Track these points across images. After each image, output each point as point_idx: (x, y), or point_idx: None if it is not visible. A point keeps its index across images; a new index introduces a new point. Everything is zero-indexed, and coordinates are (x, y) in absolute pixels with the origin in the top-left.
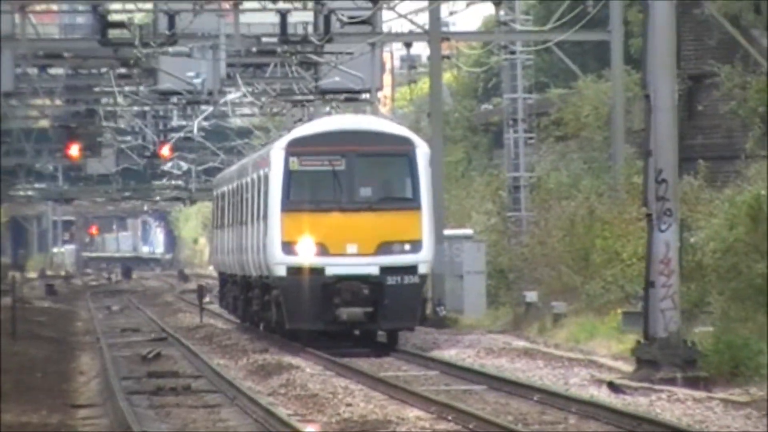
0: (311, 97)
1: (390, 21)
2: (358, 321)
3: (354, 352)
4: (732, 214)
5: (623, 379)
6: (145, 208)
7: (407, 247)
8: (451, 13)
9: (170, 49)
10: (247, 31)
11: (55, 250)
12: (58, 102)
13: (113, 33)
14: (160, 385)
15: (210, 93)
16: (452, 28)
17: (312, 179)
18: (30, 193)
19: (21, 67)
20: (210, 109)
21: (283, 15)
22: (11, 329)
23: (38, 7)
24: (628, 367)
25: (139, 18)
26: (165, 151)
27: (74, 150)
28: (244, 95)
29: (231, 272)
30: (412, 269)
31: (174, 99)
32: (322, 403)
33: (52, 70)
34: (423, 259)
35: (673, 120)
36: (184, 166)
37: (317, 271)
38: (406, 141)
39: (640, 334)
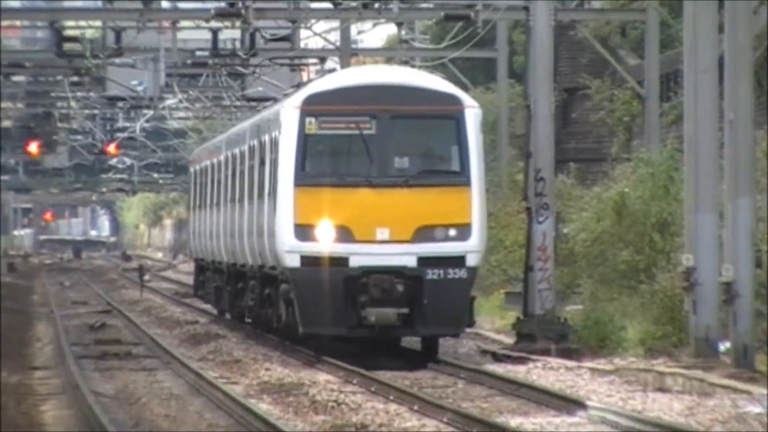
0: (238, 103)
1: (307, 39)
2: (390, 325)
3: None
4: (599, 209)
5: (505, 350)
6: (94, 197)
7: (453, 232)
8: (359, 32)
9: (117, 60)
10: (183, 45)
11: (15, 233)
12: (19, 105)
13: (68, 46)
14: (105, 350)
15: (151, 99)
16: (360, 45)
17: (333, 146)
18: None
19: None
20: (151, 112)
21: (215, 32)
22: None
23: (3, 23)
24: (510, 340)
25: (90, 33)
26: (111, 148)
27: (33, 147)
28: (180, 101)
29: (214, 259)
30: (458, 260)
31: (120, 104)
32: (244, 368)
33: (15, 78)
34: (472, 248)
35: (551, 127)
36: (128, 161)
37: (339, 262)
38: (454, 99)
39: (520, 312)
